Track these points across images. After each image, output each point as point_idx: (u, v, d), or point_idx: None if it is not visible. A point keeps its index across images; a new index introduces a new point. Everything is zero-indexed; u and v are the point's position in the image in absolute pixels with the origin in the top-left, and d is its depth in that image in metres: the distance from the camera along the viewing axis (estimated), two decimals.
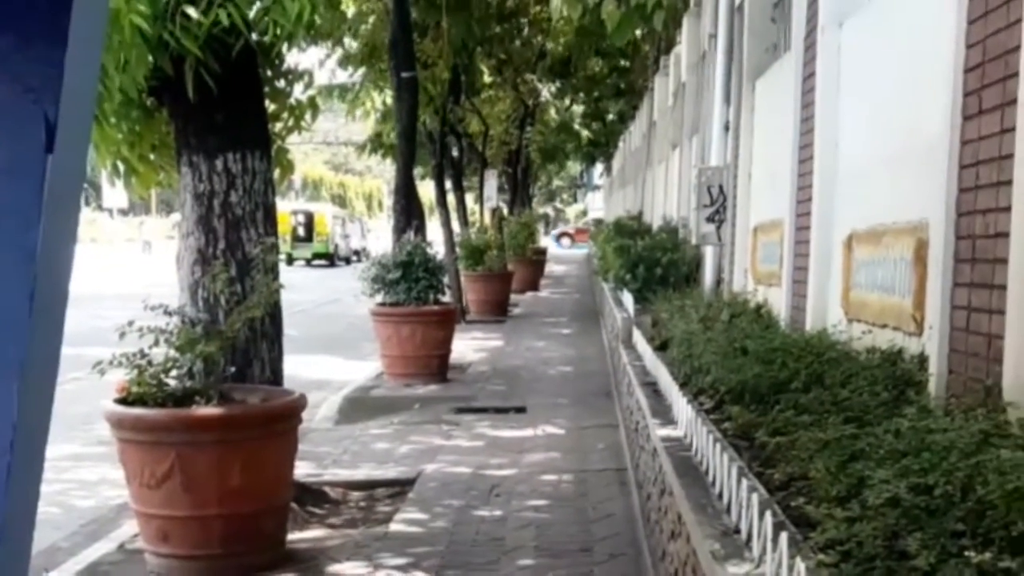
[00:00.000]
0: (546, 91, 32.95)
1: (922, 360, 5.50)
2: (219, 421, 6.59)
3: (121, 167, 7.90)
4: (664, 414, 6.05)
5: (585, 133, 42.55)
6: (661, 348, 8.20)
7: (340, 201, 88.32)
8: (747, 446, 4.84)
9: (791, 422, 4.77)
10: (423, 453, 9.70)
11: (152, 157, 8.03)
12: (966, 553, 2.75)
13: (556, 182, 76.99)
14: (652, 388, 7.11)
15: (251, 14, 6.84)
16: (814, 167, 8.09)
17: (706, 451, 4.51)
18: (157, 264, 33.21)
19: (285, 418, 6.88)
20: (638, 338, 9.32)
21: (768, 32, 11.07)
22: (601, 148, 48.23)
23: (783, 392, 5.45)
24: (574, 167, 65.76)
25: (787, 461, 4.23)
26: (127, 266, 40.96)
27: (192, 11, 6.40)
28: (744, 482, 3.59)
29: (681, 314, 9.40)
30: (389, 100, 18.33)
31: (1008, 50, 4.42)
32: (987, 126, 4.65)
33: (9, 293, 1.63)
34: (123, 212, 61.72)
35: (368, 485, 8.56)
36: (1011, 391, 4.18)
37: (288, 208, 49.23)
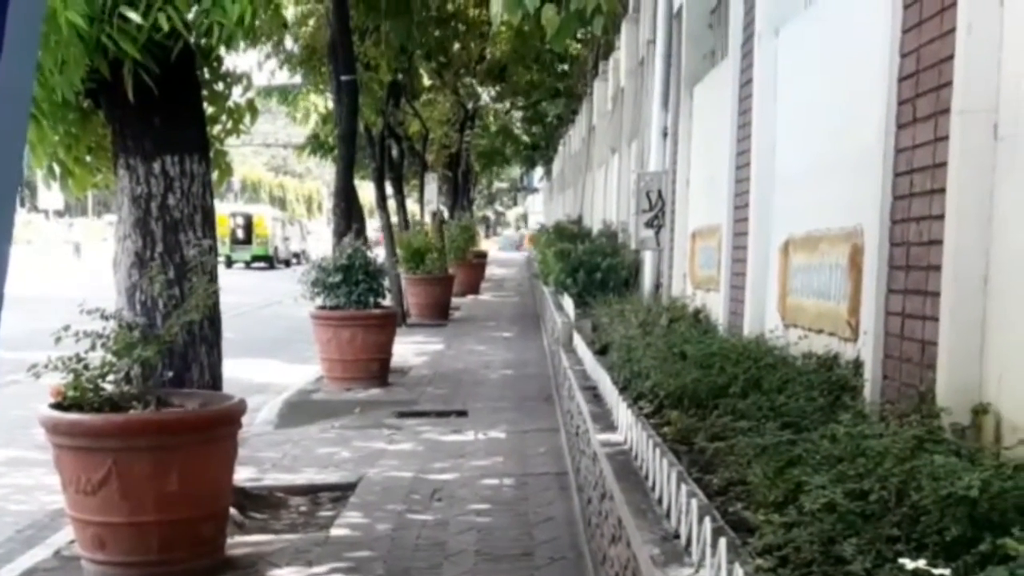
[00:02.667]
0: (486, 95, 32.99)
1: (857, 365, 5.58)
2: (156, 426, 6.53)
3: (57, 169, 7.81)
4: (604, 419, 6.08)
5: (525, 138, 42.69)
6: (601, 352, 8.24)
7: (280, 203, 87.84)
8: (686, 451, 4.88)
9: (729, 427, 4.83)
10: (364, 457, 9.67)
11: (88, 159, 7.93)
12: (901, 559, 2.79)
13: (497, 184, 77.09)
14: (592, 392, 7.13)
15: (190, 16, 6.79)
16: (751, 173, 8.17)
17: (646, 456, 4.54)
18: (89, 267, 32.81)
19: (224, 423, 6.82)
20: (578, 342, 9.35)
21: (706, 39, 11.18)
22: (541, 151, 48.39)
23: (721, 397, 5.51)
24: (514, 170, 65.87)
25: (726, 466, 4.28)
26: (61, 268, 40.42)
27: (132, 14, 6.34)
28: (683, 487, 3.62)
29: (621, 318, 9.45)
30: (330, 103, 18.27)
31: (942, 59, 4.50)
32: (921, 134, 4.72)
33: None
34: (59, 213, 60.93)
35: (309, 490, 8.52)
36: (944, 397, 4.26)
37: (227, 210, 48.86)
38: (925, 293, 4.62)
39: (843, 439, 3.79)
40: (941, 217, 4.42)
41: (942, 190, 4.42)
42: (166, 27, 6.43)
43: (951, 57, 4.37)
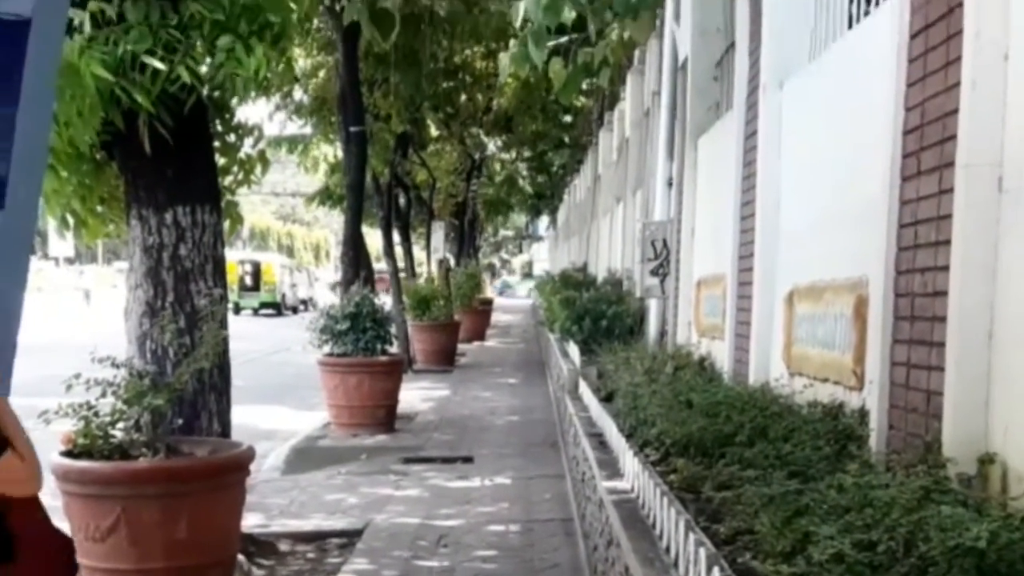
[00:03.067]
0: (492, 145, 33.17)
1: (863, 415, 5.61)
2: (165, 474, 6.56)
3: (70, 219, 7.89)
4: (611, 466, 6.10)
5: (529, 190, 42.86)
6: (607, 399, 8.27)
7: (288, 251, 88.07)
8: (693, 499, 4.90)
9: (736, 476, 4.85)
10: (371, 503, 9.68)
11: (101, 209, 8.02)
12: None
13: (503, 232, 77.27)
14: (598, 439, 7.16)
15: (203, 69, 6.89)
16: (756, 223, 8.23)
17: (653, 504, 4.57)
18: (99, 313, 32.83)
19: (232, 471, 6.86)
20: (584, 389, 9.38)
21: (711, 90, 11.27)
22: (546, 200, 48.55)
23: (728, 445, 5.53)
24: (520, 218, 66.05)
25: (733, 515, 4.30)
26: (71, 315, 40.48)
27: (156, 62, 6.43)
28: (691, 536, 3.64)
29: (626, 366, 9.49)
30: (339, 152, 18.42)
31: (946, 113, 4.56)
32: (925, 187, 4.79)
33: None
34: (69, 261, 61.07)
35: (316, 536, 8.53)
36: (950, 447, 4.29)
37: (236, 257, 48.98)
38: (930, 344, 4.66)
39: (850, 489, 3.83)
40: (946, 269, 4.47)
41: (947, 242, 4.47)
42: (186, 78, 6.52)
43: (955, 111, 4.43)
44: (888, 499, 3.58)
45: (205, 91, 7.10)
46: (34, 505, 2.89)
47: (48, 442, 6.90)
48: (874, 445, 5.18)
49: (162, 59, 6.57)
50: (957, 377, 4.34)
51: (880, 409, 5.22)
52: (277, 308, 50.39)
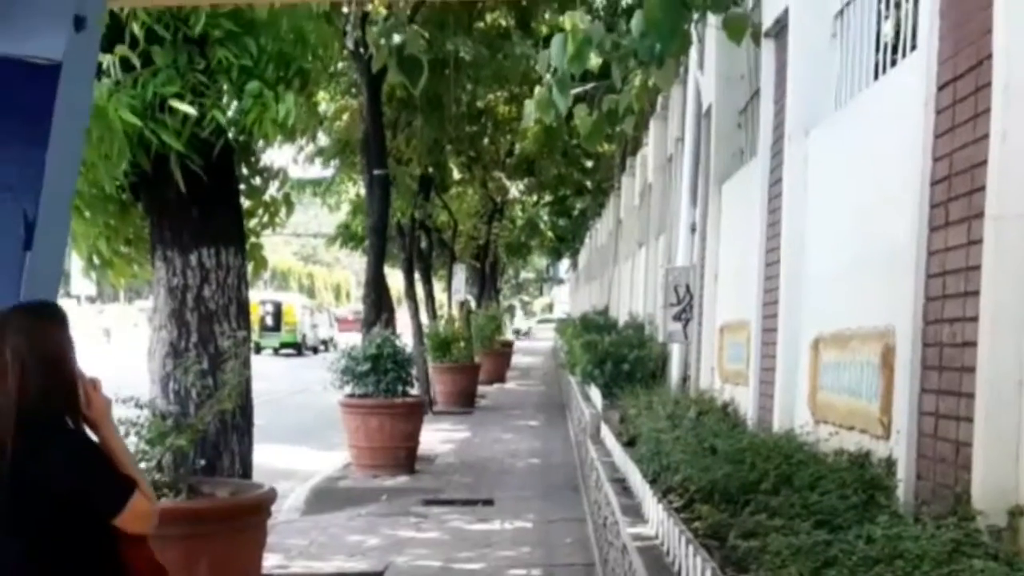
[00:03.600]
0: (514, 188, 33.26)
1: (890, 464, 5.57)
2: (187, 515, 6.55)
3: (96, 260, 7.94)
4: (634, 511, 6.08)
5: (550, 235, 42.96)
6: (629, 444, 8.23)
7: (308, 292, 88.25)
8: (718, 547, 4.86)
9: (762, 524, 4.81)
10: (391, 545, 9.65)
11: (126, 250, 8.07)
12: None
13: (524, 275, 77.34)
14: (621, 485, 7.13)
15: (230, 113, 6.95)
16: (781, 270, 8.22)
17: (678, 551, 4.54)
18: (119, 353, 32.88)
19: (254, 512, 6.85)
20: (606, 433, 9.35)
21: (735, 137, 11.30)
22: (567, 243, 48.58)
23: (753, 493, 5.50)
24: (540, 261, 66.13)
25: (760, 564, 4.27)
26: (91, 354, 40.59)
27: (185, 106, 6.49)
28: None
29: (648, 411, 9.46)
30: (362, 191, 18.53)
31: (974, 164, 4.56)
32: (954, 237, 4.78)
33: None
34: (91, 299, 61.33)
35: None
36: (980, 499, 4.25)
37: (257, 298, 49.10)
38: (959, 394, 4.63)
39: (880, 540, 3.80)
40: (975, 319, 4.45)
41: (976, 293, 4.46)
42: (221, 120, 6.59)
43: (984, 162, 4.43)
44: (918, 552, 3.55)
45: (232, 135, 7.15)
46: (145, 543, 3.29)
47: None
48: (902, 495, 5.14)
49: (191, 103, 6.63)
50: (987, 428, 4.31)
51: (908, 459, 5.18)
52: (298, 348, 50.43)
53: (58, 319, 3.27)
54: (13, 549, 3.16)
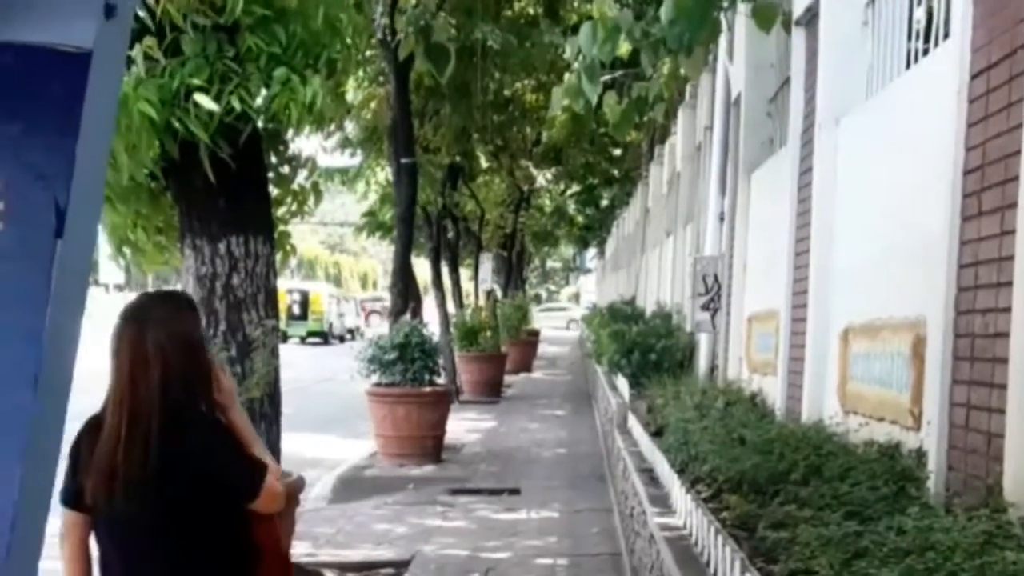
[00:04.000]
0: (541, 177, 33.22)
1: (920, 455, 5.54)
2: None
3: (126, 249, 7.96)
4: (662, 502, 6.07)
5: (580, 219, 42.85)
6: (656, 434, 8.22)
7: (335, 280, 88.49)
8: (747, 537, 4.85)
9: (791, 515, 4.80)
10: (418, 534, 9.67)
11: (158, 238, 8.08)
12: None
13: (550, 263, 77.27)
14: (649, 475, 7.12)
15: (258, 100, 6.94)
16: (811, 260, 8.19)
17: (707, 542, 4.53)
18: None
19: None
20: (633, 423, 9.34)
21: (764, 126, 11.24)
22: (593, 232, 48.49)
23: (782, 483, 5.48)
24: (567, 250, 66.05)
25: (789, 555, 4.25)
26: None
27: (205, 100, 6.50)
28: None
29: (676, 401, 9.45)
30: (390, 177, 18.55)
31: (1008, 154, 4.52)
32: (987, 227, 4.74)
33: (14, 376, 1.68)
34: (119, 287, 61.73)
35: (364, 566, 8.52)
36: (1012, 491, 4.22)
37: (284, 286, 49.25)
38: (991, 385, 4.60)
39: (911, 532, 3.78)
40: (1008, 310, 4.41)
41: (1008, 283, 4.42)
42: (238, 108, 6.58)
43: (1018, 152, 4.39)
44: (950, 543, 3.53)
45: (260, 123, 7.15)
46: (272, 521, 3.43)
47: None
48: (933, 487, 5.11)
49: (218, 91, 6.63)
50: (1019, 419, 4.28)
51: (939, 450, 5.15)
52: (324, 337, 50.58)
53: (191, 307, 3.49)
54: (158, 534, 3.30)
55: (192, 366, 3.32)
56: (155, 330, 3.28)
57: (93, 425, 3.39)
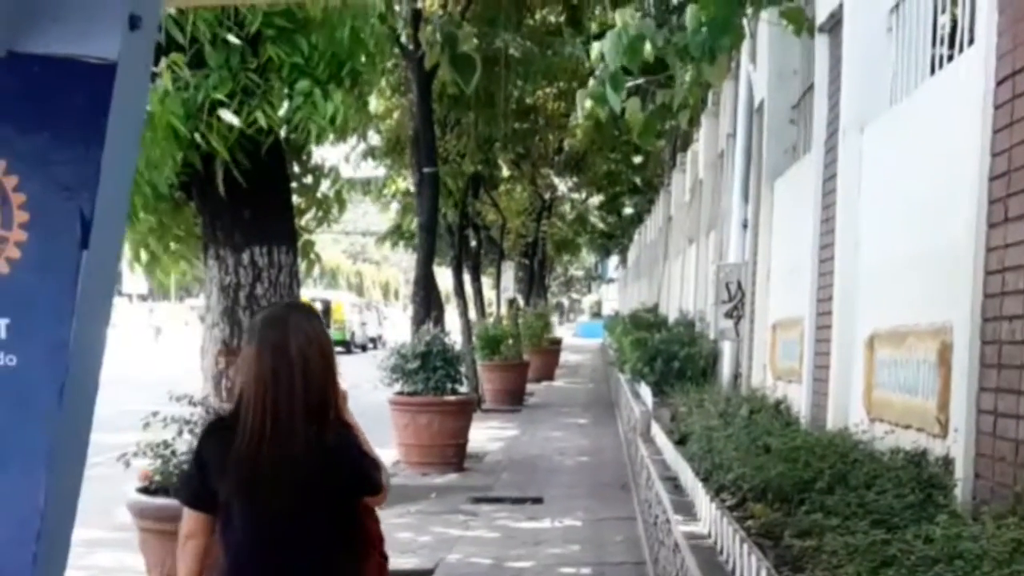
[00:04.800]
0: (563, 185, 33.23)
1: (947, 463, 5.50)
2: None
3: (145, 256, 7.99)
4: (686, 510, 6.05)
5: (600, 226, 42.83)
6: (680, 442, 8.20)
7: (357, 289, 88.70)
8: (772, 546, 4.82)
9: (817, 524, 4.77)
10: (442, 543, 9.68)
11: (175, 247, 8.12)
12: None
13: (572, 271, 77.19)
14: (673, 483, 7.10)
15: (281, 112, 6.96)
16: (835, 267, 8.15)
17: (732, 551, 4.51)
18: (168, 350, 33.16)
19: None
20: (657, 431, 9.32)
21: (787, 133, 11.20)
22: (615, 240, 48.46)
23: (807, 492, 5.45)
24: (588, 258, 66.01)
25: (816, 564, 4.22)
26: (142, 352, 41.04)
27: (228, 115, 6.53)
28: None
29: (700, 409, 9.41)
30: (411, 186, 18.60)
31: None
32: (1013, 234, 4.71)
33: (41, 385, 1.68)
34: (142, 297, 62.01)
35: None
36: None
37: (307, 295, 49.33)
38: (1019, 392, 4.57)
39: (939, 540, 3.75)
40: None
41: None
42: (262, 121, 6.61)
43: None
44: (978, 551, 3.50)
45: (283, 134, 7.18)
46: (375, 515, 3.83)
47: (113, 477, 6.99)
48: (960, 495, 5.08)
49: (241, 103, 6.66)
50: None
51: (966, 458, 5.12)
52: (346, 346, 50.65)
53: (319, 317, 3.84)
54: (300, 524, 3.54)
55: (328, 372, 3.61)
56: (296, 336, 3.53)
57: (218, 428, 3.79)
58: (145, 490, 6.72)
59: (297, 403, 3.49)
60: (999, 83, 4.97)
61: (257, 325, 3.64)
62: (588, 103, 7.68)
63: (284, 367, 3.49)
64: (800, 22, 6.83)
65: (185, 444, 6.84)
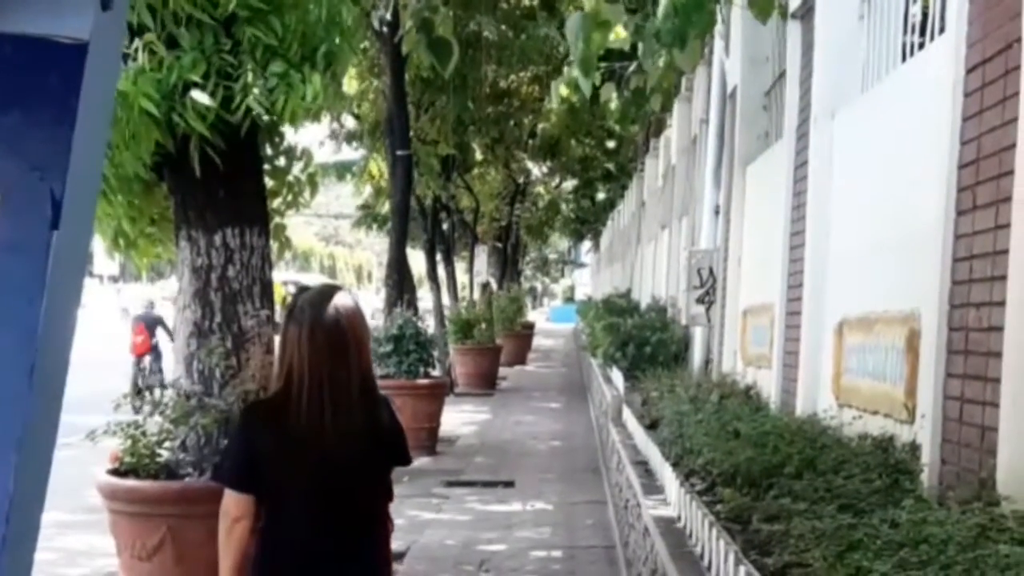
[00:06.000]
0: (536, 170, 33.21)
1: (914, 448, 5.56)
2: (211, 494, 6.53)
3: (121, 240, 7.94)
4: (656, 494, 6.09)
5: (572, 207, 42.84)
6: (651, 427, 8.24)
7: (330, 272, 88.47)
8: (740, 530, 4.86)
9: (785, 508, 4.81)
10: (413, 526, 9.69)
11: (151, 230, 8.07)
12: None
13: (546, 252, 77.20)
14: (643, 467, 7.14)
15: (256, 91, 6.91)
16: (806, 254, 8.19)
17: (701, 535, 4.54)
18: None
19: None
20: (628, 416, 9.36)
21: (760, 119, 11.24)
22: (588, 224, 48.50)
23: (776, 476, 5.49)
24: (561, 243, 66.01)
25: (783, 548, 4.26)
26: (109, 333, 40.82)
27: (202, 97, 6.49)
28: (742, 568, 3.62)
29: (671, 393, 9.46)
30: (384, 169, 18.55)
31: (1003, 148, 4.52)
32: (981, 221, 4.74)
33: (10, 368, 1.68)
34: (113, 279, 61.65)
35: None
36: (1005, 484, 4.23)
37: (279, 279, 49.19)
38: (985, 379, 4.61)
39: (905, 525, 3.79)
40: (1002, 304, 4.42)
41: (1003, 277, 4.43)
42: (252, 104, 6.57)
43: (1013, 146, 4.39)
44: (944, 536, 3.54)
45: (257, 115, 7.13)
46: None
47: (83, 458, 6.96)
48: (926, 480, 5.13)
49: (216, 85, 6.62)
50: (1013, 413, 4.29)
51: (932, 443, 5.17)
52: None
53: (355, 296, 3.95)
54: (355, 496, 3.68)
55: (368, 348, 3.78)
56: (346, 316, 3.64)
57: (262, 409, 3.92)
58: (115, 472, 6.69)
59: (355, 379, 3.62)
60: (969, 71, 5.00)
61: (305, 305, 3.67)
62: (563, 90, 7.67)
63: (339, 344, 3.59)
64: (767, 10, 6.83)
65: (156, 425, 6.82)
